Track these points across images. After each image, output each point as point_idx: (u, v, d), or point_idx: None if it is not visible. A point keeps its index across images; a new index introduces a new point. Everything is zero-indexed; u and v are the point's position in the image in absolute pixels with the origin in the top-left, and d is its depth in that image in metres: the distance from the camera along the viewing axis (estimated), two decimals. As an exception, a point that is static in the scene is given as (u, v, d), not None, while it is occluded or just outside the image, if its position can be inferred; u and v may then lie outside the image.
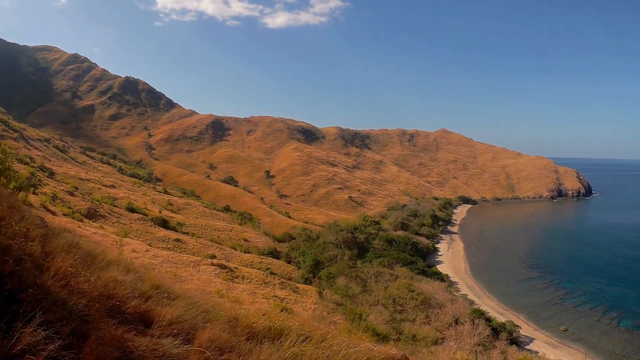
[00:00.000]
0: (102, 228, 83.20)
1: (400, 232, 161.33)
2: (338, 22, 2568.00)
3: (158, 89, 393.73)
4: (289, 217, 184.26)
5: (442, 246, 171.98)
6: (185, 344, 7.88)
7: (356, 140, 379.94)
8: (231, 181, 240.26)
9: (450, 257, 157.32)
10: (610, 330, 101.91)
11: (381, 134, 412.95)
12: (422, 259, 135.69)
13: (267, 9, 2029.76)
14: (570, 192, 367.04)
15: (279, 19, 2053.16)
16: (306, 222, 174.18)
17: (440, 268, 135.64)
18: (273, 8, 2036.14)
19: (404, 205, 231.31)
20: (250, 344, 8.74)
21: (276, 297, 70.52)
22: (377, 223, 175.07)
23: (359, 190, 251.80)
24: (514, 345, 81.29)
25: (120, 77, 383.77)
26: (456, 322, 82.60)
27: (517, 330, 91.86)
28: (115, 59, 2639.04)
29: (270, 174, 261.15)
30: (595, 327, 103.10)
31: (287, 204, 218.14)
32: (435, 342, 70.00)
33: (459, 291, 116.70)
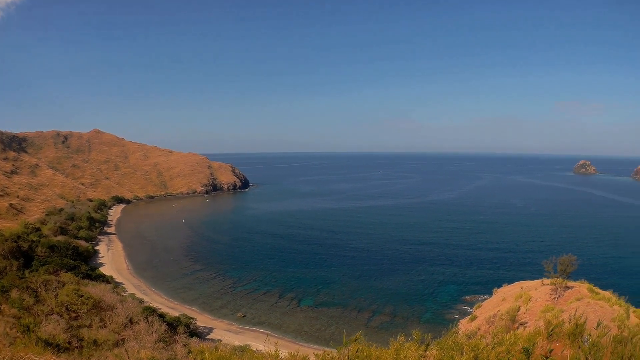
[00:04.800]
0: None
1: (60, 237, 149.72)
2: (11, 18, 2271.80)
3: None
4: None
5: (101, 248, 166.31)
6: None
7: (14, 143, 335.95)
8: None
9: (111, 258, 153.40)
10: (292, 311, 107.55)
11: (37, 136, 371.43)
12: (84, 263, 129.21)
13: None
14: (225, 185, 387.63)
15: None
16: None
17: (103, 270, 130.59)
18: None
19: (62, 209, 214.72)
20: None
21: (-38, 321, 61.73)
22: (38, 229, 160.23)
23: (18, 196, 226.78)
24: (194, 337, 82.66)
25: None
26: (131, 321, 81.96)
27: (193, 322, 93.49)
28: None
29: None
30: (275, 310, 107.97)
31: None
32: (117, 344, 68.87)
33: (126, 291, 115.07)
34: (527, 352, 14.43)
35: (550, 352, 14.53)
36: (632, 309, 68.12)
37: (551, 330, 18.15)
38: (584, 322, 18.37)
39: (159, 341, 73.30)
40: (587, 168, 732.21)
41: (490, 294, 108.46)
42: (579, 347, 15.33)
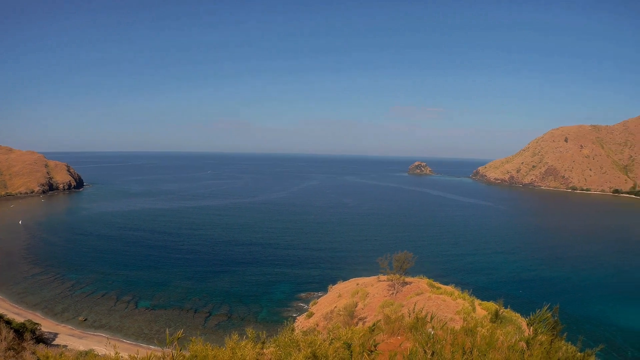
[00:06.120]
0: None
1: None
2: None
3: None
4: None
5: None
6: None
7: None
8: None
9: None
10: (131, 313, 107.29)
11: None
12: None
13: None
14: (61, 185, 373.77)
15: None
16: None
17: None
18: None
19: None
20: None
21: None
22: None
23: None
24: (41, 343, 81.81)
25: None
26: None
27: (38, 328, 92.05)
28: None
29: None
30: (115, 312, 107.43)
31: None
32: (-32, 355, 70.50)
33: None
34: (349, 347, 14.69)
35: (375, 347, 14.84)
36: (477, 301, 72.50)
37: (373, 326, 18.23)
38: (425, 316, 18.94)
39: (9, 349, 75.66)
40: (423, 169, 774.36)
41: (326, 290, 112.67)
42: (418, 340, 15.43)
